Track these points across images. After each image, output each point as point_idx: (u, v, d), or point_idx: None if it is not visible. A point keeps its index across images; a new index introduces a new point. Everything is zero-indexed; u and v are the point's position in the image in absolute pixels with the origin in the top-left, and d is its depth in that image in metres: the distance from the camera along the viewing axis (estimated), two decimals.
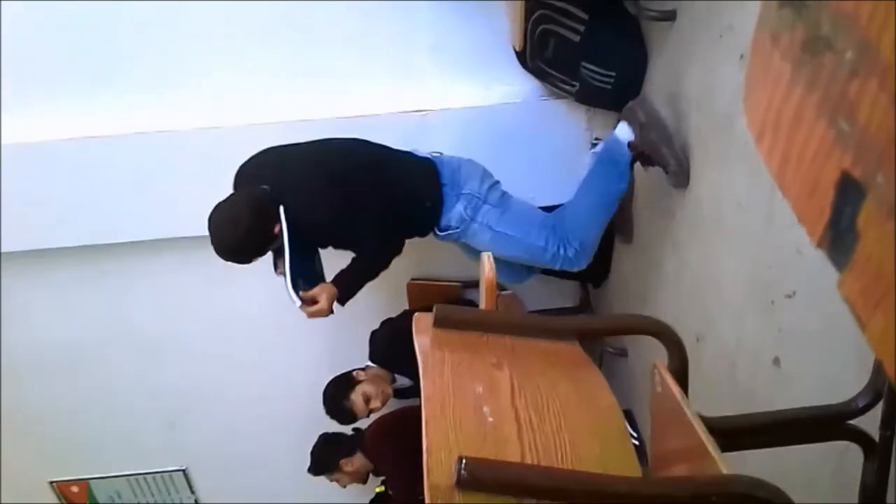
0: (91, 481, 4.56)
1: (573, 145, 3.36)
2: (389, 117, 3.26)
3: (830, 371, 1.83)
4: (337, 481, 3.64)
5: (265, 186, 2.70)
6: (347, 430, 3.59)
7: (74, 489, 4.57)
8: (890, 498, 1.46)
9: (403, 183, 2.83)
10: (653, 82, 2.90)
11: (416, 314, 1.55)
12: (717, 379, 2.42)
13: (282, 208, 2.63)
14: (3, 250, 3.46)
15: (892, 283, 0.51)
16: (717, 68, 2.35)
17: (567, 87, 3.09)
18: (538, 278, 3.21)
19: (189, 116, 3.27)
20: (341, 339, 3.52)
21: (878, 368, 1.44)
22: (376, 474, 3.69)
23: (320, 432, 3.64)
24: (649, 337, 1.51)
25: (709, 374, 2.44)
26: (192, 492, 4.70)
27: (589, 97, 3.11)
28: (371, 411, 3.39)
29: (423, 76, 3.31)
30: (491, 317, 1.63)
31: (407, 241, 2.85)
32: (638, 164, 2.80)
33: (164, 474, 4.60)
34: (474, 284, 3.31)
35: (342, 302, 2.75)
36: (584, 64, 2.95)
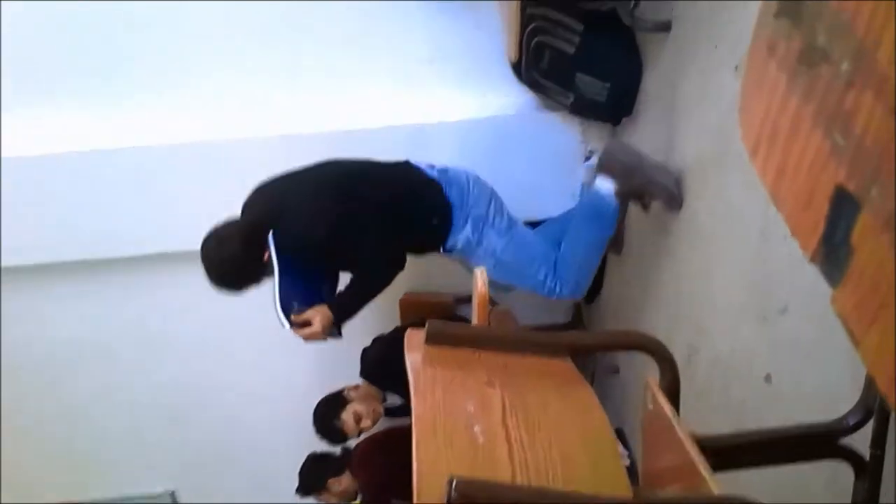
0: None
1: (568, 157, 3.36)
2: (386, 130, 3.26)
3: (822, 387, 1.81)
4: (325, 501, 3.61)
5: (261, 216, 2.69)
6: (336, 448, 3.56)
7: None
8: None
9: (408, 199, 2.81)
10: (648, 94, 2.90)
11: (408, 330, 1.54)
12: (709, 394, 2.41)
13: (270, 234, 2.63)
14: (3, 265, 3.44)
15: (888, 298, 0.49)
16: (712, 79, 2.35)
17: (562, 99, 3.09)
18: (530, 294, 3.20)
19: (188, 129, 3.27)
20: (332, 357, 3.50)
21: (869, 385, 1.43)
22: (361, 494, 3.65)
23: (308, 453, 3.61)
24: (642, 353, 1.50)
25: (701, 389, 2.43)
26: None
27: (584, 108, 3.12)
28: (362, 430, 3.36)
29: (419, 88, 3.31)
30: (483, 333, 1.62)
31: None
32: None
33: (150, 501, 4.54)
34: (467, 299, 3.30)
35: (338, 322, 2.73)
36: (579, 75, 2.95)
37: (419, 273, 3.04)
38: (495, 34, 3.05)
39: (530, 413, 1.29)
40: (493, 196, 2.89)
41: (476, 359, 1.46)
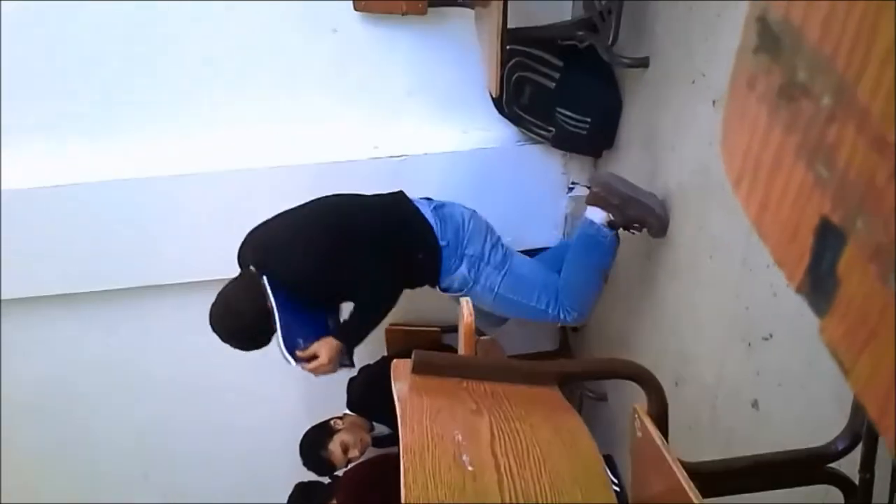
0: None
1: (551, 189, 3.39)
2: (368, 163, 3.27)
3: (809, 412, 1.83)
4: None
5: (251, 267, 2.68)
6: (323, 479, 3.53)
7: None
8: None
9: (394, 228, 2.81)
10: (628, 128, 2.93)
11: (395, 361, 1.54)
12: (696, 421, 2.41)
13: (265, 278, 2.61)
14: (2, 297, 3.41)
15: (878, 327, 0.50)
16: (691, 112, 2.39)
17: (543, 133, 3.12)
18: (516, 321, 3.20)
19: (176, 161, 3.27)
20: (318, 388, 3.48)
21: (856, 410, 1.44)
22: None
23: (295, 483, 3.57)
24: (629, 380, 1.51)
25: (688, 416, 2.44)
26: None
27: (565, 142, 3.15)
28: (349, 461, 3.34)
29: (401, 122, 3.32)
30: (470, 362, 1.62)
31: None
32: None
33: None
34: (453, 329, 3.29)
35: (348, 348, 2.70)
36: (559, 110, 2.99)
37: (405, 303, 3.03)
38: (476, 69, 3.07)
39: (519, 440, 1.29)
40: (488, 230, 2.90)
41: (463, 388, 1.46)
